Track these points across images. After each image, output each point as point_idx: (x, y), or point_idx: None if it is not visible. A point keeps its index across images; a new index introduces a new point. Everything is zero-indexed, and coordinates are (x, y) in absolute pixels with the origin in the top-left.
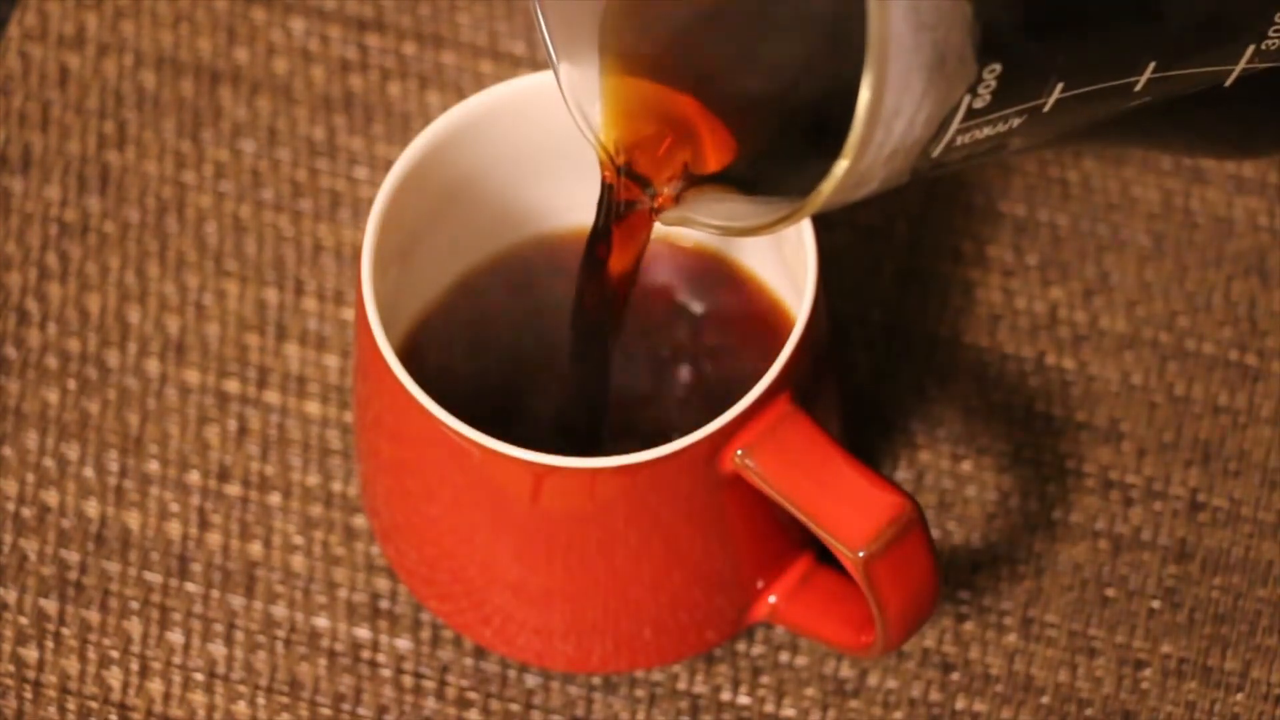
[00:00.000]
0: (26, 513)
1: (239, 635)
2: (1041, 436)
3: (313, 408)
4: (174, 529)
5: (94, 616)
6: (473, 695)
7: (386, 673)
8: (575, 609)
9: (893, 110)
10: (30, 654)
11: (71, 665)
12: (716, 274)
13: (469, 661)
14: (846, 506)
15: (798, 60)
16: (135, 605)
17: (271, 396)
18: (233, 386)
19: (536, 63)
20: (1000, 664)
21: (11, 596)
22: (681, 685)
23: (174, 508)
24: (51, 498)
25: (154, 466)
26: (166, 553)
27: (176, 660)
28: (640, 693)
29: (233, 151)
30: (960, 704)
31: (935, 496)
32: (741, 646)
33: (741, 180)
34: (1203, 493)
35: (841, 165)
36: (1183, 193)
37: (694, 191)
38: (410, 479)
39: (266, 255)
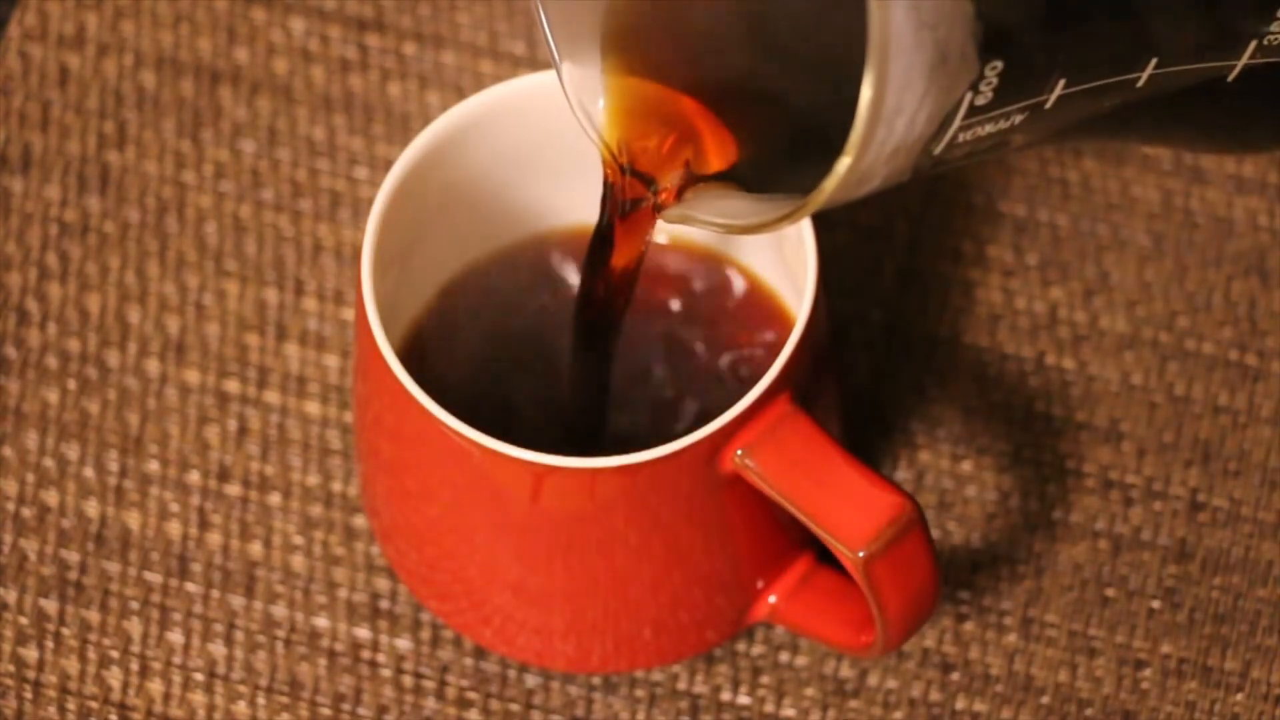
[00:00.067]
0: (26, 513)
1: (239, 635)
2: (1041, 436)
3: (313, 408)
4: (174, 529)
5: (94, 616)
6: (473, 695)
7: (386, 673)
8: (575, 609)
9: (894, 108)
10: (30, 654)
11: (71, 665)
12: (716, 273)
13: (469, 661)
14: (846, 506)
15: (799, 59)
16: (135, 605)
17: (271, 396)
18: (233, 386)
19: (537, 62)
20: (1000, 664)
21: (11, 596)
22: (681, 685)
23: (174, 508)
24: (51, 498)
25: (154, 466)
26: (166, 553)
27: (176, 660)
28: (640, 693)
29: (233, 151)
30: (960, 704)
31: (935, 496)
32: (741, 646)
33: (743, 178)
34: (1203, 493)
35: (843, 163)
36: (1183, 192)
37: (696, 189)
38: (410, 479)
39: (266, 255)
